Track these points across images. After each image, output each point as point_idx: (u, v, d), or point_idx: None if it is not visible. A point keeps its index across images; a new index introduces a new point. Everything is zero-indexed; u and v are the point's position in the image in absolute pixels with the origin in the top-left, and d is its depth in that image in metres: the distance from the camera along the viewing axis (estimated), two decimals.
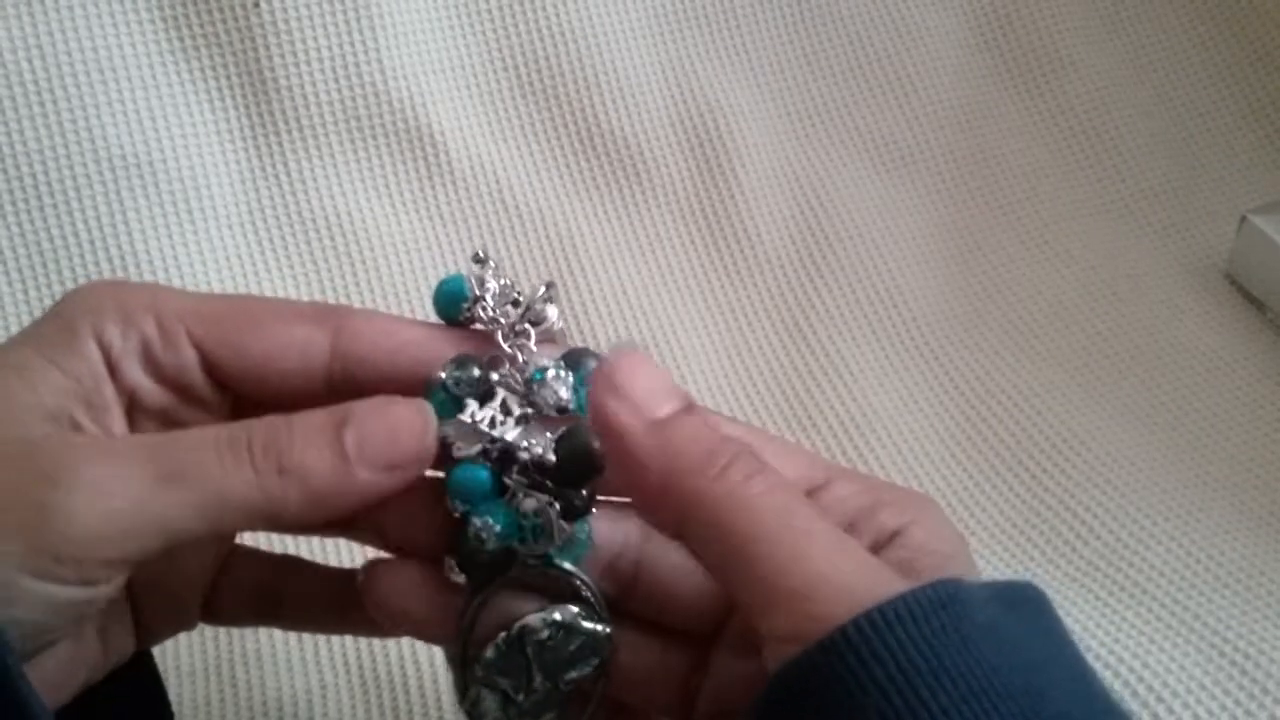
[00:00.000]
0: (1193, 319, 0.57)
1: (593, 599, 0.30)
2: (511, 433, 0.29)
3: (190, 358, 0.29)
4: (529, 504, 0.29)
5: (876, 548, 0.27)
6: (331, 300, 0.55)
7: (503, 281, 0.30)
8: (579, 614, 0.29)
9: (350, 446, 0.27)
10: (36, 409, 0.27)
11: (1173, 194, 0.63)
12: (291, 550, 0.38)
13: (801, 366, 0.55)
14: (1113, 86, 0.65)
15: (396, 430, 0.28)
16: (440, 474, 0.29)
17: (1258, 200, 0.60)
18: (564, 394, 0.29)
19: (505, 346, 0.30)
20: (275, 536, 0.50)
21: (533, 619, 0.29)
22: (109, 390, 0.28)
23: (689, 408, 0.27)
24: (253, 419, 0.27)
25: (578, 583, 0.30)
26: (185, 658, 0.43)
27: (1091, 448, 0.50)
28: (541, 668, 0.30)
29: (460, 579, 0.29)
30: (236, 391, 0.30)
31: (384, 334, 0.29)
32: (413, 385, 0.29)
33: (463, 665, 0.30)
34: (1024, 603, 0.26)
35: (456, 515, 0.29)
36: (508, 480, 0.29)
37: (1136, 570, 0.45)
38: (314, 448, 0.27)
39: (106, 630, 0.29)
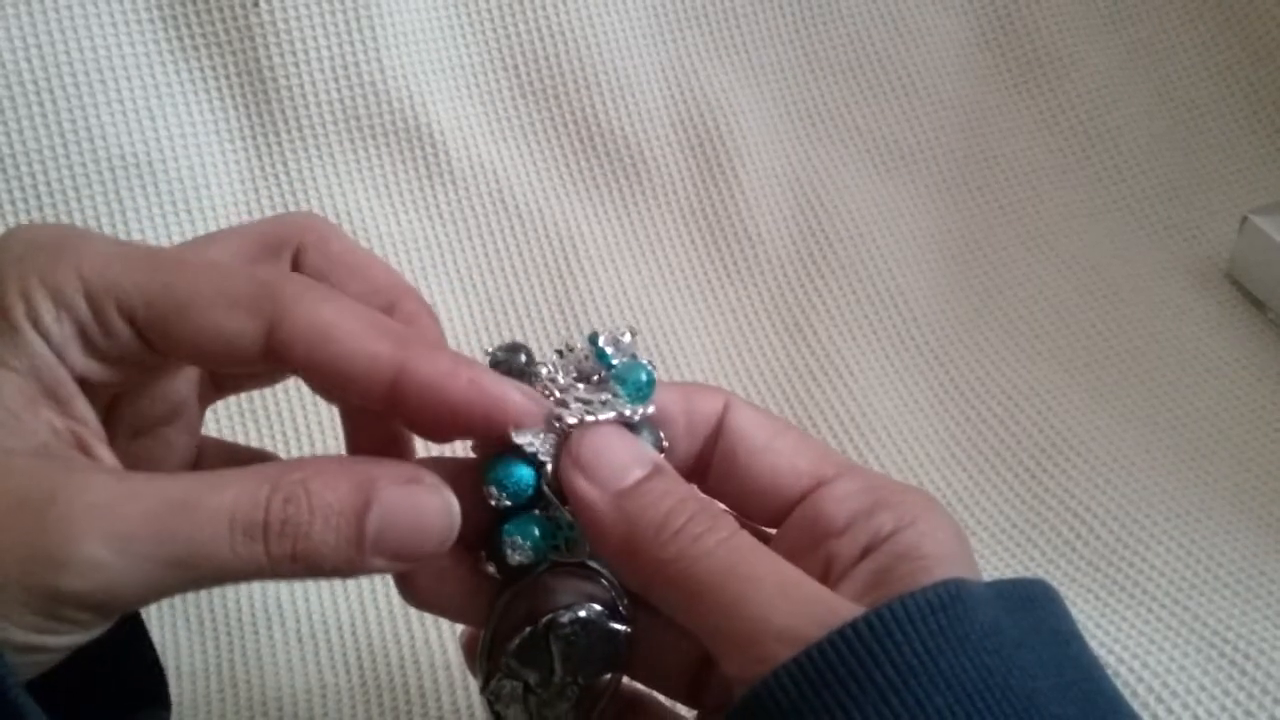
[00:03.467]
0: (1194, 319, 0.57)
1: (616, 599, 0.31)
2: (608, 411, 0.29)
3: (126, 336, 0.27)
4: (564, 515, 0.29)
5: (870, 549, 0.28)
6: None
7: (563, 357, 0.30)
8: (603, 613, 0.30)
9: (370, 536, 0.26)
10: (6, 425, 0.26)
11: (1174, 194, 0.63)
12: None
13: (801, 366, 0.55)
14: (1113, 86, 0.65)
15: (421, 527, 0.27)
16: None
17: (1259, 200, 0.60)
18: (626, 337, 0.30)
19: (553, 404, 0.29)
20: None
21: (560, 615, 0.30)
22: (65, 375, 0.27)
23: (653, 473, 0.28)
24: (272, 477, 0.26)
25: (604, 582, 0.31)
26: (185, 658, 0.43)
27: (1092, 448, 0.50)
28: (563, 662, 0.30)
29: (494, 572, 0.30)
30: (172, 357, 0.28)
31: (321, 338, 0.26)
32: (348, 389, 0.27)
33: (488, 654, 0.31)
34: (1029, 602, 0.27)
35: (496, 506, 0.29)
36: (545, 488, 0.29)
37: (1136, 570, 0.45)
38: (332, 533, 0.26)
39: None
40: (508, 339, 0.55)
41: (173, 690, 0.42)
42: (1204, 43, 0.66)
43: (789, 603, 0.25)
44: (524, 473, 0.29)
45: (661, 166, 0.60)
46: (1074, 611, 0.43)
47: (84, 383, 0.27)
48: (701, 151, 0.60)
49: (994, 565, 0.46)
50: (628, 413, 0.29)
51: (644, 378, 0.29)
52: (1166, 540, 0.46)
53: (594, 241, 0.58)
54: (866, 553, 0.28)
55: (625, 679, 0.32)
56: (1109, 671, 0.40)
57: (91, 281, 0.26)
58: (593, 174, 0.60)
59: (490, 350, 0.30)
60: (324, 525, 0.26)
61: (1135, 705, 0.40)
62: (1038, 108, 0.65)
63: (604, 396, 0.29)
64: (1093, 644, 0.42)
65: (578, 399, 0.29)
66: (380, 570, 0.27)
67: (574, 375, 0.30)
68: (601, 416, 0.29)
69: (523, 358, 0.29)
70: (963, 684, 0.23)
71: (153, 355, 0.27)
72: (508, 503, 0.29)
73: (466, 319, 0.55)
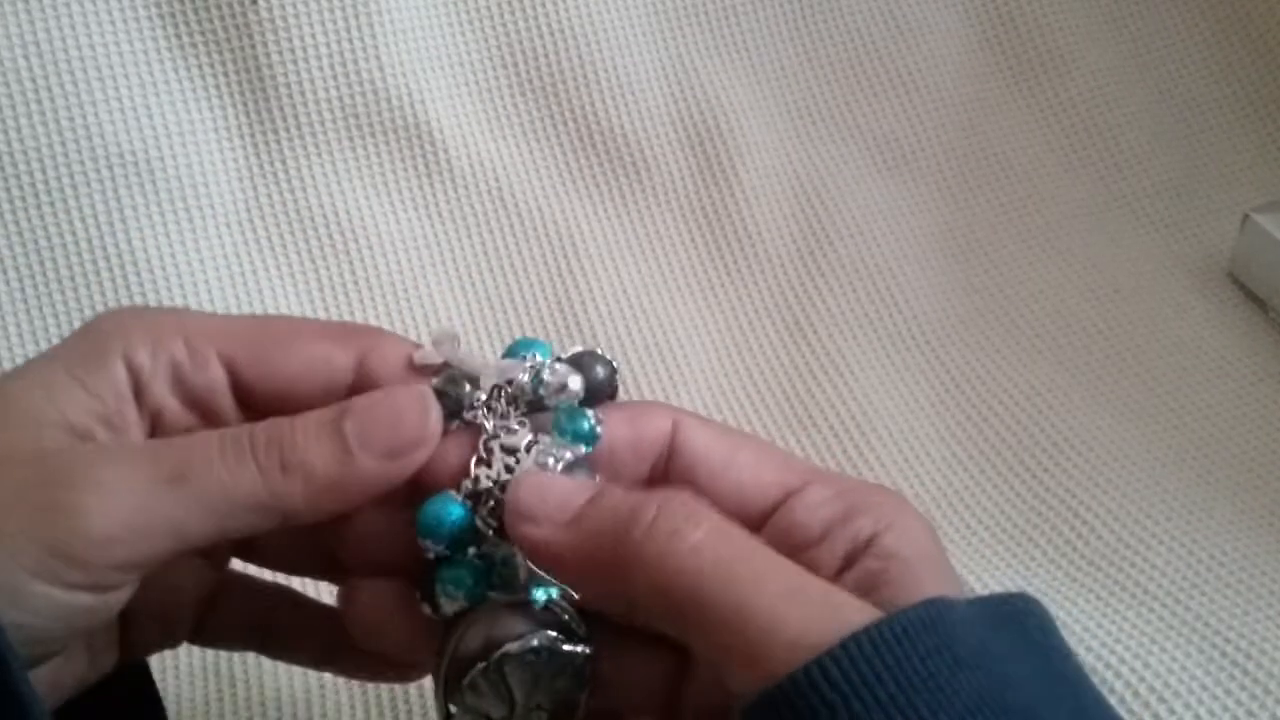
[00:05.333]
0: (1195, 318, 0.57)
1: (571, 621, 0.30)
2: (529, 460, 0.29)
3: (219, 378, 0.29)
4: (500, 552, 0.29)
5: (851, 557, 0.27)
6: (330, 298, 0.55)
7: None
8: (557, 638, 0.29)
9: (351, 436, 0.27)
10: (57, 423, 0.27)
11: (1175, 192, 0.63)
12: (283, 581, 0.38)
13: (802, 366, 0.55)
14: (1115, 84, 0.65)
15: (397, 416, 0.28)
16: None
17: (1260, 199, 0.60)
18: (574, 385, 0.29)
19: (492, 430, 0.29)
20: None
21: (511, 647, 0.29)
22: (131, 412, 0.28)
23: (599, 493, 0.27)
24: (255, 422, 0.28)
25: (555, 608, 0.29)
26: (185, 658, 0.43)
27: (1092, 447, 0.50)
28: (523, 693, 0.30)
29: (429, 613, 0.29)
30: (260, 412, 0.30)
31: (409, 367, 0.30)
32: None
33: (445, 691, 0.30)
34: (1012, 618, 0.26)
35: (429, 556, 0.29)
36: (479, 522, 0.28)
37: (1137, 570, 0.45)
38: (315, 441, 0.27)
39: (93, 646, 0.29)
40: (506, 338, 0.55)
41: (172, 690, 0.42)
42: (1205, 41, 0.66)
43: (798, 608, 0.24)
44: (456, 516, 0.28)
45: (661, 165, 0.60)
46: (1074, 611, 0.43)
47: (159, 423, 0.29)
48: (701, 150, 0.60)
49: (994, 565, 0.46)
50: (551, 462, 0.28)
51: (585, 427, 0.28)
52: (1167, 540, 0.46)
53: (594, 240, 0.58)
54: (848, 559, 0.27)
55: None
56: (1109, 672, 0.41)
57: (192, 329, 0.29)
58: (593, 173, 0.60)
59: (434, 382, 0.29)
60: (306, 435, 0.27)
61: (1135, 705, 0.40)
62: (1038, 105, 0.65)
63: (531, 439, 0.29)
64: (1093, 644, 0.42)
65: (503, 447, 0.29)
66: (379, 475, 0.28)
67: (522, 405, 0.29)
68: (519, 471, 0.28)
69: (466, 387, 0.29)
70: (963, 700, 0.23)
71: (235, 409, 0.29)
72: (445, 552, 0.28)
73: (466, 318, 0.55)
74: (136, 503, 0.25)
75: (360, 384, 0.29)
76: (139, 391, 0.28)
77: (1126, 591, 0.44)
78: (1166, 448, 0.50)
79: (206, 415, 0.29)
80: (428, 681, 0.42)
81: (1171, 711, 0.39)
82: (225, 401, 0.29)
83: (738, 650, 0.24)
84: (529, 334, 0.55)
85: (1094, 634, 0.42)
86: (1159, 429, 0.51)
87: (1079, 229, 0.61)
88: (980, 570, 0.46)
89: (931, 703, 0.22)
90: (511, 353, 0.30)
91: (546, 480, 0.28)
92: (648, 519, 0.25)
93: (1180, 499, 0.48)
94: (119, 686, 0.31)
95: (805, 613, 0.24)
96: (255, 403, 0.29)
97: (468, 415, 0.29)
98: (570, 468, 0.28)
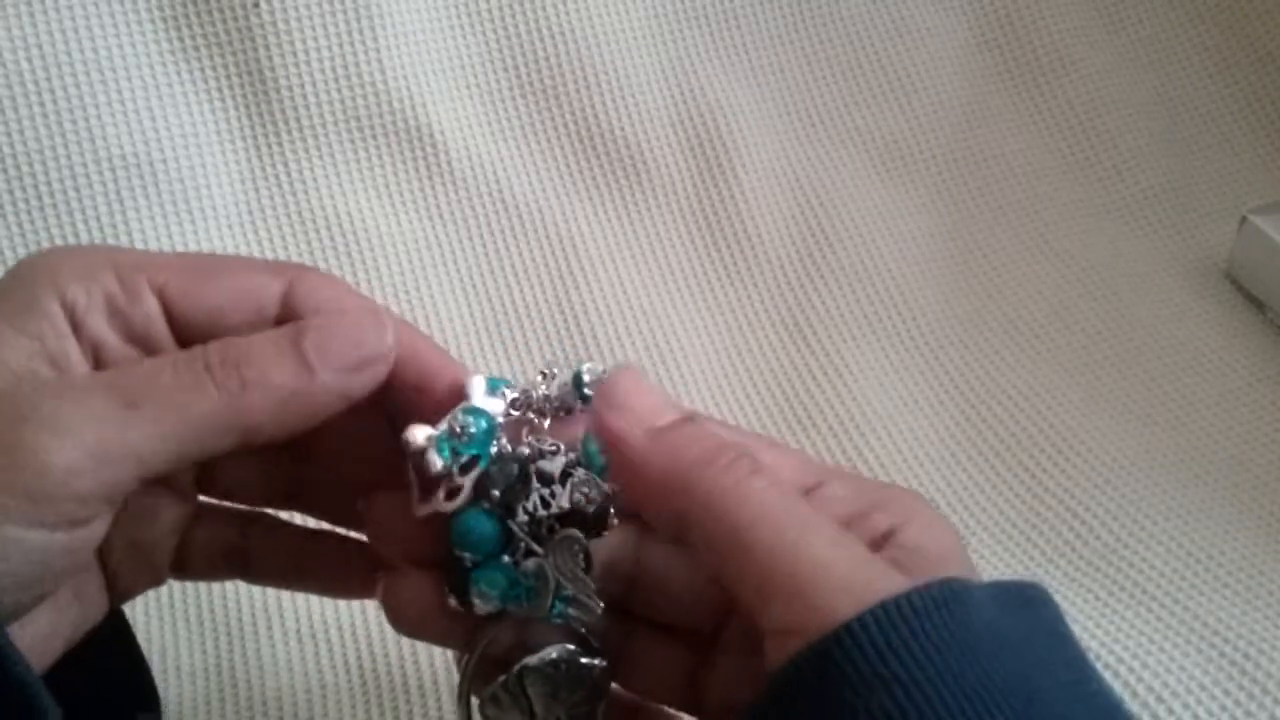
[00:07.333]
0: (1193, 319, 0.57)
1: (588, 634, 0.31)
2: (565, 499, 0.29)
3: (153, 307, 0.29)
4: (529, 565, 0.29)
5: (870, 550, 0.27)
6: None
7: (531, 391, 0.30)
8: (576, 651, 0.30)
9: (311, 352, 0.27)
10: (2, 370, 0.27)
11: (1173, 194, 0.63)
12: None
13: (801, 367, 0.55)
14: (1113, 86, 0.65)
15: (356, 332, 0.28)
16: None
17: (1258, 200, 0.60)
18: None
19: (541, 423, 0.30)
20: None
21: (532, 660, 0.30)
22: (73, 349, 0.28)
23: (687, 418, 0.28)
24: (207, 343, 0.28)
25: (573, 623, 0.30)
26: (185, 658, 0.43)
27: (1090, 447, 0.50)
28: (542, 705, 0.31)
29: (455, 605, 0.30)
30: (197, 343, 0.30)
31: (333, 299, 0.30)
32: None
33: (467, 703, 0.31)
34: (1027, 604, 0.26)
35: (466, 565, 0.29)
36: (513, 527, 0.29)
37: (1136, 570, 0.45)
38: (275, 358, 0.27)
39: (80, 591, 0.29)
40: (506, 339, 0.55)
41: (173, 690, 0.42)
42: (1203, 43, 0.66)
43: (849, 556, 0.25)
44: (487, 529, 0.29)
45: (661, 166, 0.60)
46: (1074, 611, 0.43)
47: (99, 358, 0.28)
48: (701, 151, 0.61)
49: (994, 565, 0.46)
50: (583, 500, 0.29)
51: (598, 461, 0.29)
52: (1166, 540, 0.46)
53: (594, 242, 0.58)
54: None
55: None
56: (1109, 672, 0.41)
57: (122, 263, 0.29)
58: (593, 174, 0.60)
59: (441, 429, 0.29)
60: (263, 353, 0.27)
61: (1135, 705, 0.40)
62: (1037, 108, 0.65)
63: (566, 466, 0.29)
64: (1093, 644, 0.42)
65: (538, 473, 0.29)
66: (341, 389, 0.28)
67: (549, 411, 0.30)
68: (554, 510, 0.29)
69: (515, 468, 0.29)
70: (969, 681, 0.23)
71: (172, 340, 0.29)
72: (479, 558, 0.29)
73: (466, 319, 0.55)
74: (94, 432, 0.25)
75: (287, 314, 0.29)
76: (76, 326, 0.28)
77: (1125, 591, 0.45)
78: (1165, 448, 0.51)
79: (145, 347, 0.29)
80: (429, 681, 0.42)
81: (1170, 711, 0.40)
82: (162, 331, 0.29)
83: (783, 586, 0.25)
84: (528, 335, 0.55)
85: (1092, 633, 0.42)
86: (1157, 430, 0.52)
87: (1077, 231, 0.61)
88: (979, 570, 0.46)
89: (935, 681, 0.23)
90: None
91: (644, 384, 0.29)
92: (726, 459, 0.27)
93: (1178, 499, 0.48)
94: (103, 645, 0.31)
95: (854, 564, 0.25)
96: (190, 334, 0.29)
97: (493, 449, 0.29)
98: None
